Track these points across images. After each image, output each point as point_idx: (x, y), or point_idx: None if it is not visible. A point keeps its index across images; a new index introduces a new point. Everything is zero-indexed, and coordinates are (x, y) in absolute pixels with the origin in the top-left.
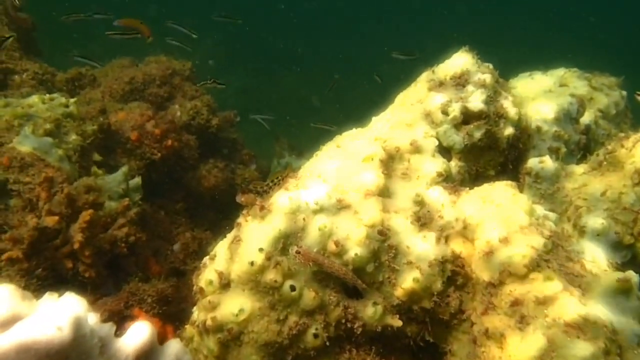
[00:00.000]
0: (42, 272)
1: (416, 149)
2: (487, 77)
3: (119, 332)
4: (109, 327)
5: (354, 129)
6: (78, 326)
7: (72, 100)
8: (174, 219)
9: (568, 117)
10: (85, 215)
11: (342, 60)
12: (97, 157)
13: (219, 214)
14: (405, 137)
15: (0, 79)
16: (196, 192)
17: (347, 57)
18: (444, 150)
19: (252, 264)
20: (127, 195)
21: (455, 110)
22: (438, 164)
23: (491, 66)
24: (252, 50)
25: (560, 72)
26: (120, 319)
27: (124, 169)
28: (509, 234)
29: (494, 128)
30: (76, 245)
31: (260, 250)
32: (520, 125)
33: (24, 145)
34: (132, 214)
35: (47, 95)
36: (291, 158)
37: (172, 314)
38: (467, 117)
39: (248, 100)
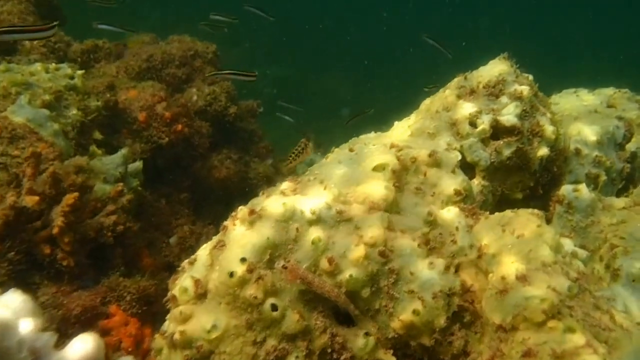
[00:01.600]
0: (16, 256)
1: (435, 162)
2: (525, 90)
3: (62, 342)
4: (48, 337)
5: (372, 133)
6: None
7: (79, 72)
8: (176, 209)
9: (612, 142)
10: (69, 198)
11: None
12: (98, 135)
13: (228, 208)
14: (424, 147)
15: (10, 42)
16: (205, 183)
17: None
18: (468, 167)
19: (231, 275)
20: (124, 179)
21: (484, 122)
22: (458, 181)
23: (531, 77)
24: (301, 41)
25: (609, 91)
26: (93, 316)
27: (124, 150)
28: (529, 271)
29: (527, 147)
30: (55, 230)
31: (243, 260)
32: (557, 146)
33: (17, 115)
34: (125, 200)
35: (53, 64)
36: (316, 155)
37: (154, 314)
38: (498, 132)
39: (285, 91)
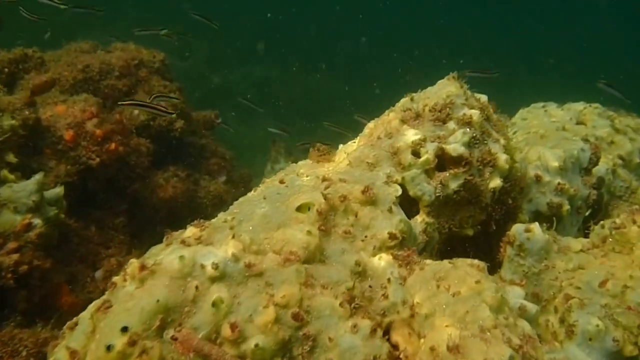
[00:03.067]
0: None
1: (369, 200)
2: (475, 114)
3: None
4: None
5: (309, 160)
6: None
7: None
8: (109, 236)
9: (577, 166)
10: None
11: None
12: (12, 158)
13: (175, 231)
14: (360, 181)
15: None
16: (148, 204)
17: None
18: (411, 201)
19: (109, 348)
20: (39, 208)
21: (429, 151)
22: (394, 222)
23: (484, 99)
24: (284, 41)
25: (579, 106)
26: None
27: (38, 176)
28: (464, 339)
29: (476, 179)
30: None
31: (124, 330)
32: (512, 176)
33: None
34: (34, 235)
35: None
36: (287, 164)
37: None
38: (444, 162)
39: (268, 92)
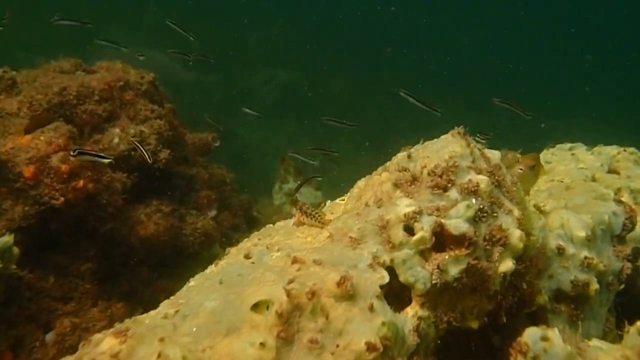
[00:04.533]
0: None
1: (345, 294)
2: (482, 181)
3: None
4: None
5: (291, 220)
6: None
7: None
8: (72, 286)
9: (608, 235)
10: None
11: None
12: None
13: (155, 272)
14: (339, 262)
15: None
16: (125, 244)
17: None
18: (401, 287)
19: None
20: None
21: (424, 228)
22: (375, 325)
23: (495, 157)
24: (310, 44)
25: (611, 151)
26: None
27: None
28: None
29: (482, 262)
30: None
31: None
32: (530, 252)
33: None
34: None
35: None
36: (295, 183)
37: None
38: (443, 240)
39: (290, 95)
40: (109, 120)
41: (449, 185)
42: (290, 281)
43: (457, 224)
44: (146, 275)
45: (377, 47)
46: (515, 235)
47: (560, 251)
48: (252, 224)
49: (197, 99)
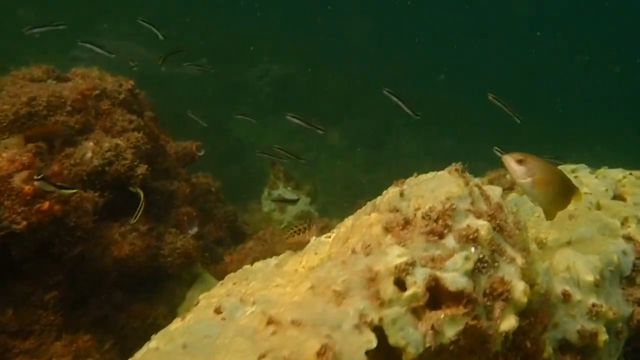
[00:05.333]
0: None
1: None
2: (483, 227)
3: None
4: None
5: (274, 260)
6: None
7: None
8: (34, 317)
9: (617, 276)
10: None
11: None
12: None
13: (130, 296)
14: (321, 323)
15: None
16: (98, 266)
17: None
18: (390, 350)
19: None
20: None
21: (417, 282)
22: None
23: (496, 195)
24: (305, 37)
25: (616, 174)
26: None
27: None
28: None
29: (482, 321)
30: None
31: None
32: (534, 306)
33: None
34: None
35: None
36: (285, 190)
37: None
38: (438, 296)
39: (286, 90)
40: (83, 133)
41: (446, 231)
42: (262, 356)
43: (454, 278)
44: (120, 299)
45: (374, 43)
46: (519, 289)
47: (566, 297)
48: (237, 236)
49: (190, 92)
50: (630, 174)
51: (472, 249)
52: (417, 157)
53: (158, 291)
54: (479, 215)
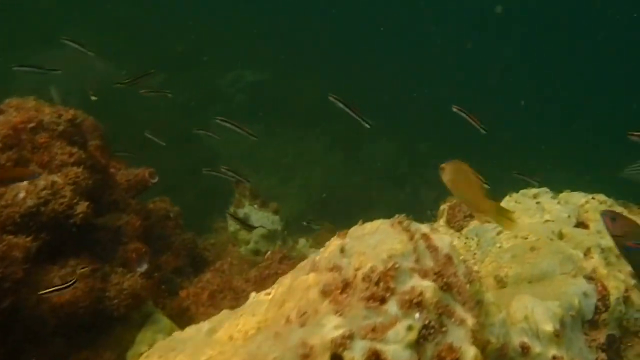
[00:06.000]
0: None
1: None
2: (428, 289)
3: None
4: None
5: (203, 325)
6: None
7: None
8: None
9: (579, 321)
10: None
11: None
12: None
13: (72, 344)
14: None
15: None
16: (33, 316)
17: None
18: None
19: None
20: None
21: (356, 358)
22: None
23: (446, 244)
24: (280, 42)
25: (579, 199)
26: None
27: None
28: None
29: None
30: None
31: None
32: (491, 352)
33: None
34: None
35: None
36: (251, 208)
37: None
38: None
39: (260, 97)
40: None
41: (388, 295)
42: None
43: (396, 352)
44: (61, 347)
45: (347, 47)
46: (469, 355)
47: (525, 350)
48: (198, 263)
49: (161, 101)
50: (593, 198)
51: (417, 315)
52: (394, 161)
53: (104, 336)
54: (424, 274)
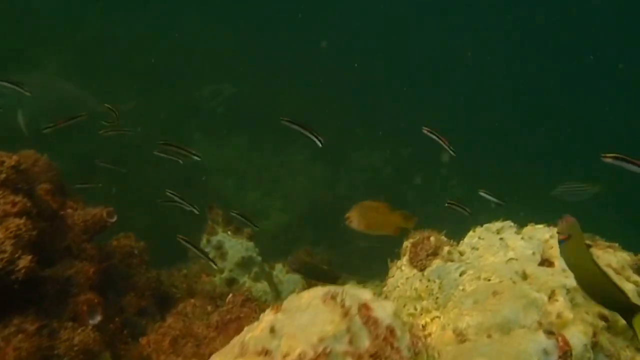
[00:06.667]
0: None
1: None
2: None
3: None
4: None
5: None
6: None
7: None
8: None
9: None
10: None
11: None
12: None
13: None
14: None
15: None
16: None
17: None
18: None
19: None
20: None
21: None
22: None
23: (388, 312)
24: (258, 53)
25: (543, 234)
26: None
27: None
28: None
29: None
30: None
31: None
32: None
33: None
34: None
35: None
36: (225, 235)
37: None
38: None
39: (239, 110)
40: None
41: None
42: None
43: None
44: None
45: (327, 56)
46: None
47: None
48: (165, 303)
49: (140, 122)
50: (558, 232)
51: None
52: (377, 169)
53: None
54: (358, 358)
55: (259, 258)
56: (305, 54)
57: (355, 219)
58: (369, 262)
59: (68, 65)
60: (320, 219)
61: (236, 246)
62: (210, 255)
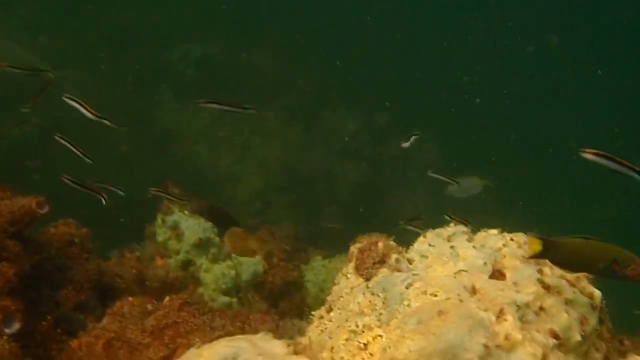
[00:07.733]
0: None
1: None
2: None
3: None
4: None
5: None
6: None
7: None
8: None
9: None
10: None
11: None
12: None
13: None
14: None
15: None
16: None
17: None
18: None
19: None
20: None
21: None
22: None
23: None
24: (229, 12)
25: (496, 242)
26: None
27: None
28: None
29: None
30: None
31: None
32: None
33: None
34: None
35: None
36: (181, 215)
37: None
38: None
39: (209, 72)
40: None
41: None
42: None
43: None
44: None
45: (304, 14)
46: None
47: None
48: (108, 295)
49: (109, 83)
50: (512, 239)
51: None
52: (354, 134)
53: None
54: None
55: (217, 239)
56: (281, 13)
57: (227, 244)
58: (334, 240)
59: (29, 23)
60: (296, 185)
61: (193, 226)
62: (167, 236)
